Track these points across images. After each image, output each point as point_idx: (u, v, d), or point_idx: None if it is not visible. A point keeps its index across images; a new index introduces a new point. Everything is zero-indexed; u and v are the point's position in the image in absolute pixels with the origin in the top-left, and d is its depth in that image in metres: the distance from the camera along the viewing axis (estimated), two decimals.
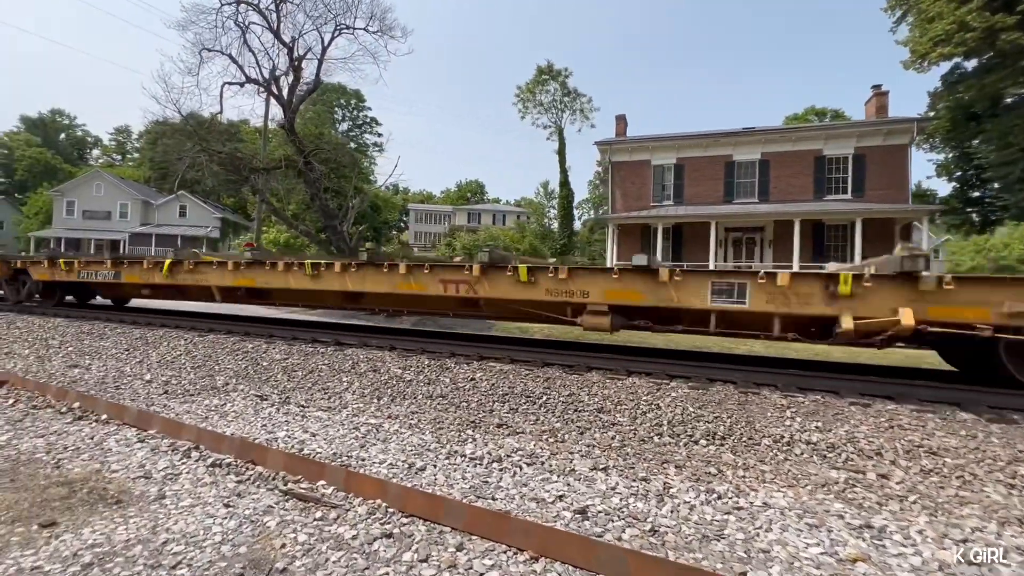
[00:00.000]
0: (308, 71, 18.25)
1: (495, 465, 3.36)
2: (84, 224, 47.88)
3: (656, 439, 3.89)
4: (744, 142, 21.98)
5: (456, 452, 3.58)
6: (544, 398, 4.75)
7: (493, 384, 5.13)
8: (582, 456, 3.55)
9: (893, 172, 20.32)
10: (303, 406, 4.71)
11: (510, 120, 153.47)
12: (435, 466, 3.30)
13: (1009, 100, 17.29)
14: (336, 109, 58.72)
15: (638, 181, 23.27)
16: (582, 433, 4.03)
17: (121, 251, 41.31)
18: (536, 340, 8.69)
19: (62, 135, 79.60)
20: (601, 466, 3.36)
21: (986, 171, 19.43)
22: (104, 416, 3.92)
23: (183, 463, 3.16)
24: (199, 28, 15.96)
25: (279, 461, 3.06)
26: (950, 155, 22.58)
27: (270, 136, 22.43)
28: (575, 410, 4.47)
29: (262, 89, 20.92)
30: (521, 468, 3.31)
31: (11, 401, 4.29)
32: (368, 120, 64.99)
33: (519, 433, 4.06)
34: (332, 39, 17.81)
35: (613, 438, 3.91)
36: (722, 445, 3.76)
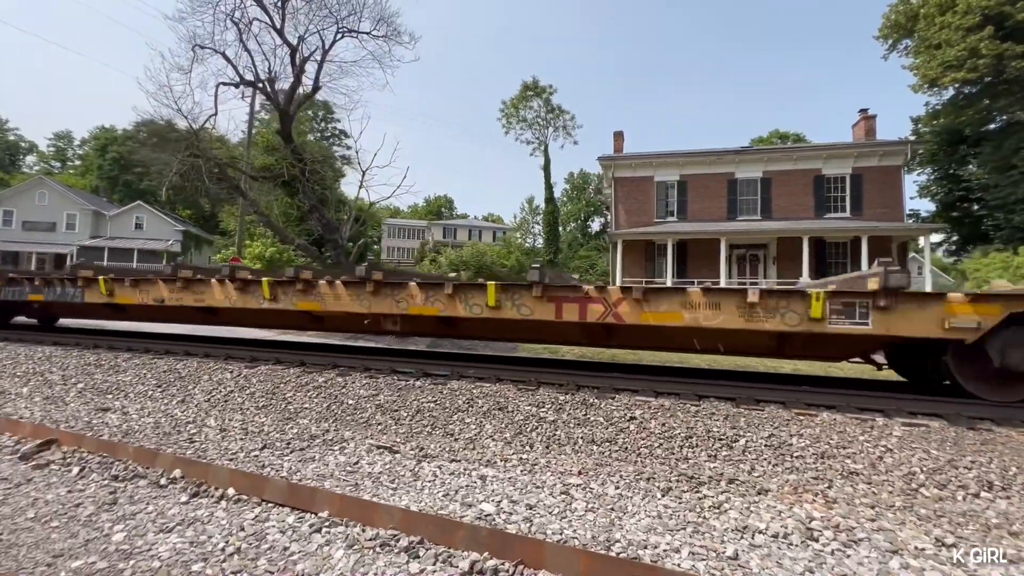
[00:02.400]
0: (307, 74, 17.05)
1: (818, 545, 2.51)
2: (24, 236, 43.56)
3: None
4: (746, 160, 22.21)
5: (715, 524, 2.70)
6: (739, 440, 3.93)
7: (665, 425, 4.27)
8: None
9: (888, 192, 20.95)
10: (456, 460, 3.69)
11: (476, 134, 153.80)
12: (750, 550, 2.42)
13: (995, 125, 18.27)
14: (303, 121, 56.67)
15: (641, 197, 23.07)
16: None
17: (67, 265, 37.74)
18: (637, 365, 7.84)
19: None
20: None
21: (975, 192, 20.42)
22: (231, 491, 2.81)
23: (418, 570, 2.14)
24: (194, 23, 14.53)
25: (573, 563, 2.10)
26: (933, 176, 23.76)
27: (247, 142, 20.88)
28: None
29: (249, 92, 19.55)
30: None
31: (76, 470, 3.08)
32: (336, 132, 63.03)
33: (763, 491, 3.22)
34: (335, 41, 16.73)
35: None
36: None
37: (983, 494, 3.26)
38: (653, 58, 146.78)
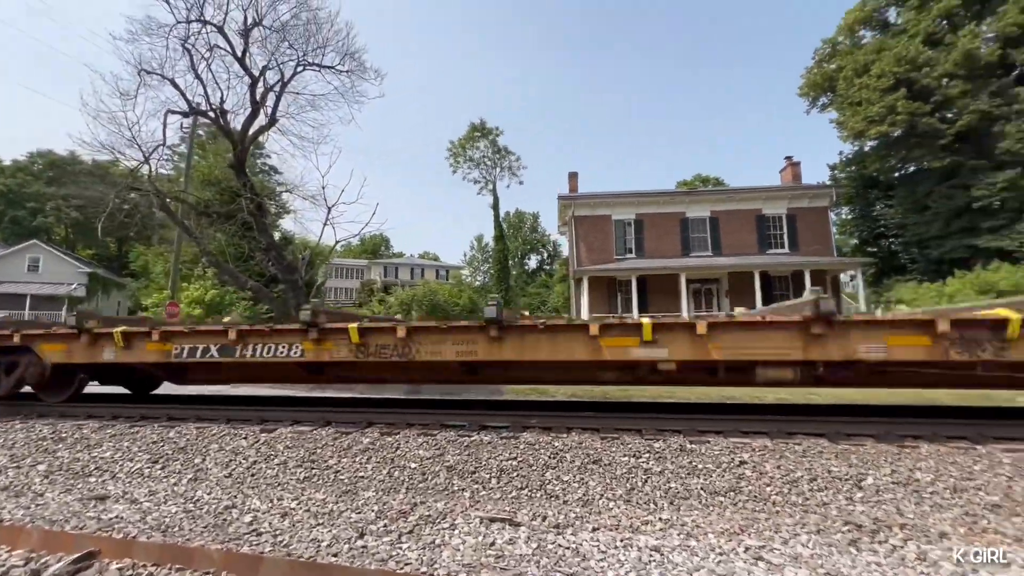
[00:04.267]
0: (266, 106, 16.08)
1: None
2: None
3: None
4: (696, 201, 23.68)
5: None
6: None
7: (781, 468, 4.01)
8: None
9: (818, 230, 23.10)
10: (596, 528, 3.17)
11: (410, 171, 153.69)
12: None
13: (911, 171, 21.06)
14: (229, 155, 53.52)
15: (601, 235, 23.73)
16: None
17: None
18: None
19: None
20: None
21: (890, 230, 23.15)
22: None
23: None
24: (140, 48, 13.28)
25: None
26: (851, 216, 26.73)
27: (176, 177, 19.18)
28: None
29: (188, 122, 18.20)
30: None
31: None
32: (267, 168, 60.22)
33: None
34: (296, 73, 16.03)
35: None
36: None
37: None
38: (579, 101, 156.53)
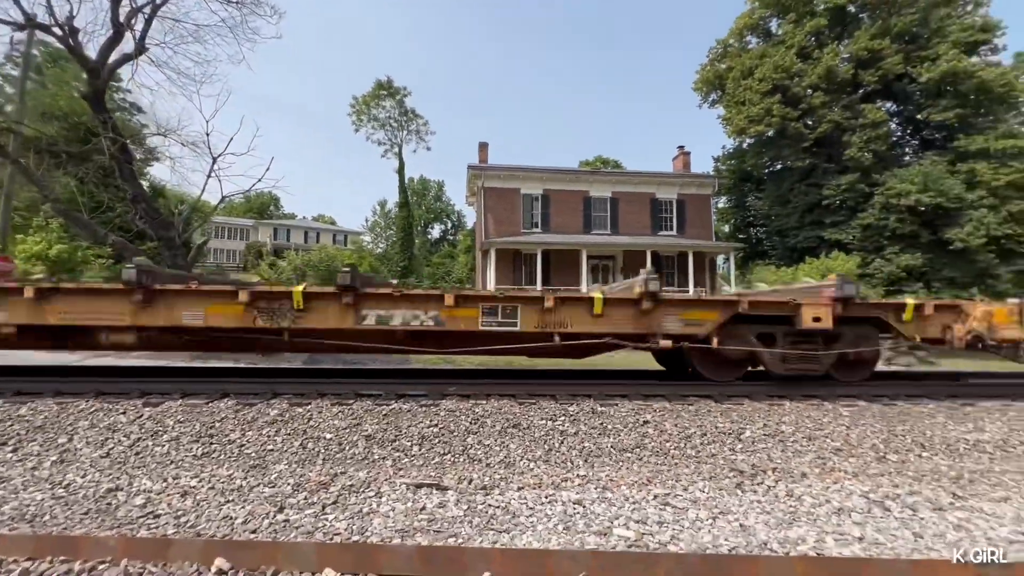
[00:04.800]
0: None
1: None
2: None
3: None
4: (598, 181, 24.80)
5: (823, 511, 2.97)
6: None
7: (678, 426, 4.49)
8: None
9: (702, 216, 25.55)
10: (521, 488, 3.32)
11: (297, 128, 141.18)
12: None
13: (778, 168, 24.01)
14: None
15: (508, 208, 23.95)
16: None
17: None
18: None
19: None
20: None
21: (758, 219, 26.43)
22: (330, 574, 2.07)
23: None
24: None
25: (788, 570, 2.06)
26: (728, 205, 29.92)
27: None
28: None
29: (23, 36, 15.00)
30: None
31: None
32: (127, 106, 51.41)
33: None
34: None
35: None
36: None
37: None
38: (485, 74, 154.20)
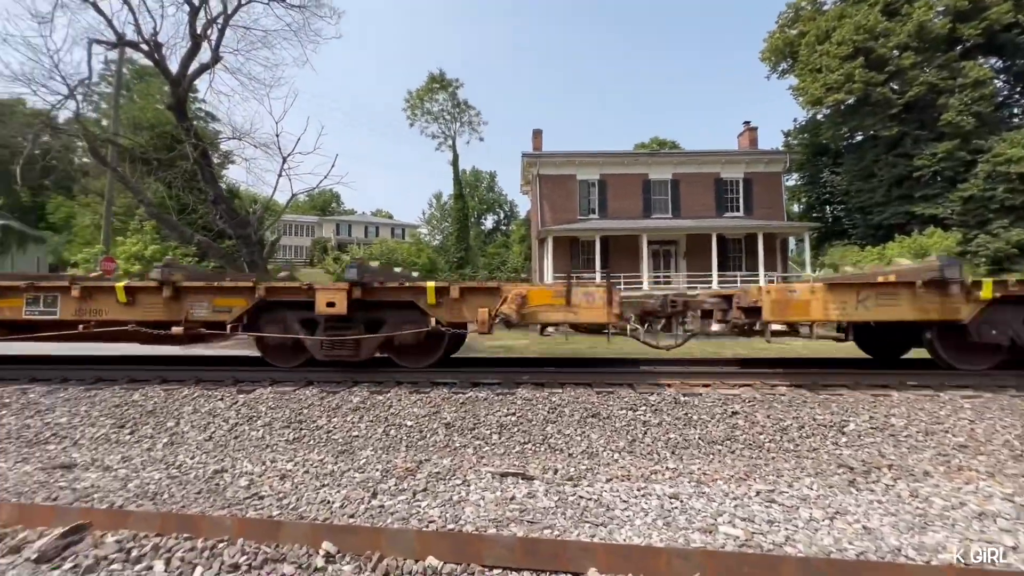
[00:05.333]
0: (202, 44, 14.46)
1: None
2: None
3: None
4: (658, 163, 23.86)
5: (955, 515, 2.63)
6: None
7: (771, 417, 4.18)
8: None
9: (771, 195, 23.96)
10: (610, 479, 3.19)
11: (352, 125, 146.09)
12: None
13: (859, 139, 22.03)
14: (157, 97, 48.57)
15: (564, 194, 23.60)
16: None
17: None
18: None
19: None
20: None
21: (836, 196, 24.39)
22: (434, 561, 2.06)
23: None
24: None
25: None
26: (800, 183, 27.90)
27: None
28: None
29: (115, 56, 16.33)
30: None
31: (160, 567, 2.02)
32: (202, 115, 55.32)
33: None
34: (240, 5, 14.46)
35: None
36: None
37: None
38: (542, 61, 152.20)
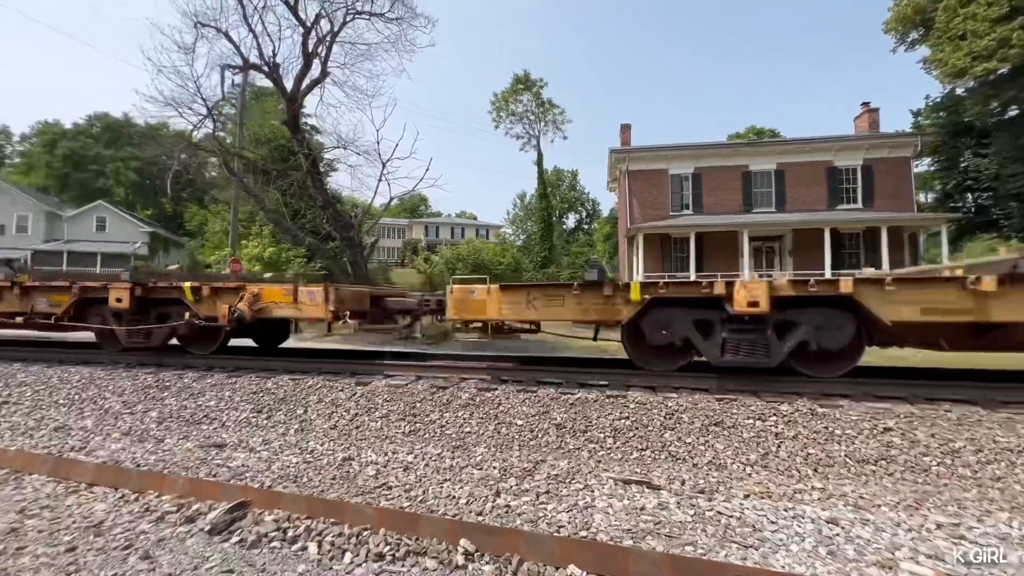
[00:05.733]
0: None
1: None
2: None
3: None
4: (760, 153, 22.08)
5: None
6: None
7: (936, 437, 3.59)
8: None
9: (897, 183, 21.16)
10: (747, 496, 2.89)
11: (441, 128, 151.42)
12: None
13: (1012, 114, 18.74)
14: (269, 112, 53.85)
15: (655, 190, 22.63)
16: None
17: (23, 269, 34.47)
18: None
19: None
20: None
21: (981, 182, 20.92)
22: (575, 570, 1.95)
23: None
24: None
25: None
26: (934, 168, 24.38)
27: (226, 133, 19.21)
28: None
29: (239, 78, 18.16)
30: None
31: (313, 548, 2.13)
32: (308, 128, 60.45)
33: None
34: (345, 23, 15.50)
35: None
36: None
37: None
38: (623, 55, 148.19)
